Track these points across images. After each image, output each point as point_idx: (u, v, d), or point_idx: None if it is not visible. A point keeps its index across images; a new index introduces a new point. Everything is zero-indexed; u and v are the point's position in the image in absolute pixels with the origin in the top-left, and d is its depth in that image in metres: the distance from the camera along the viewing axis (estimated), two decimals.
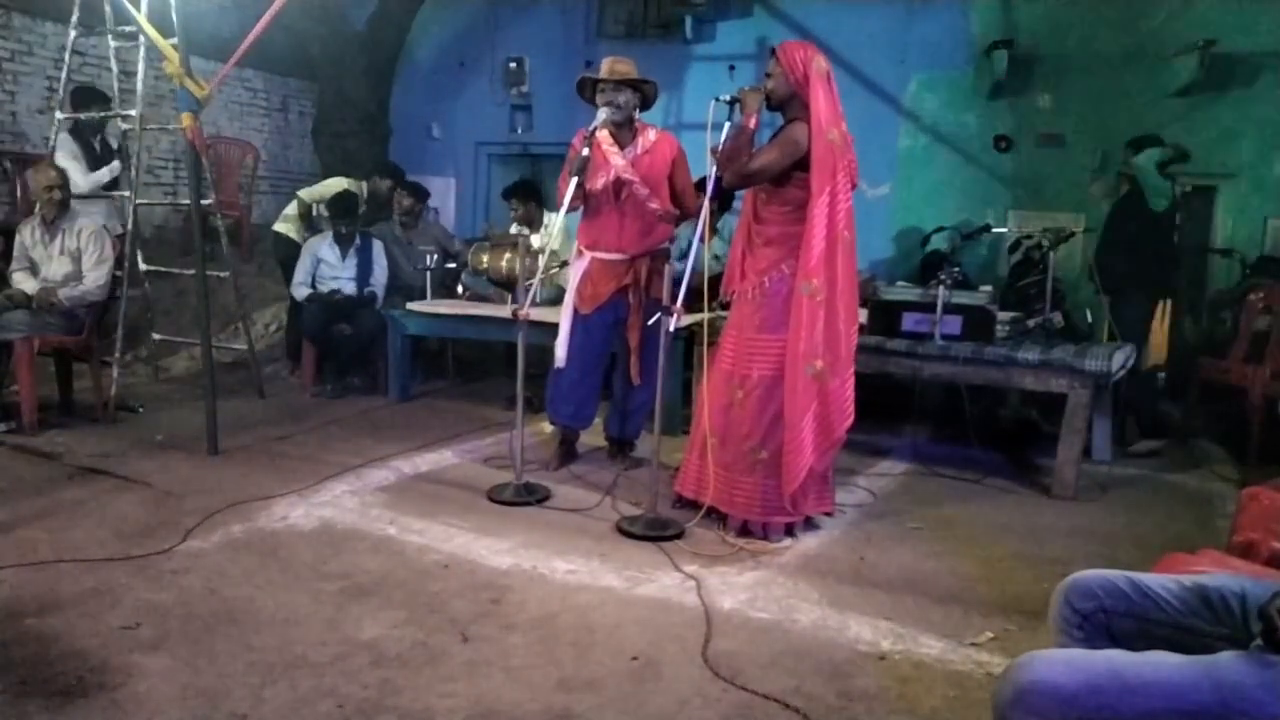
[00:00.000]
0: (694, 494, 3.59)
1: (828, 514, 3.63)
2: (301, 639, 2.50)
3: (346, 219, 5.87)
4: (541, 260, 4.20)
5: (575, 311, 4.13)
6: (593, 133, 3.85)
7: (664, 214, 4.11)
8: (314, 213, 6.29)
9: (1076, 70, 6.42)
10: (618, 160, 4.00)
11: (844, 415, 3.39)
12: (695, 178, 4.16)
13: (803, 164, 3.29)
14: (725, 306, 3.77)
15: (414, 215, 6.41)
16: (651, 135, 4.08)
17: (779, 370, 3.35)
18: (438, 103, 8.31)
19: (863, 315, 4.32)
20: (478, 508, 3.72)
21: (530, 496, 3.79)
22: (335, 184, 6.31)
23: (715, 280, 3.66)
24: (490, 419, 5.31)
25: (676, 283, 3.40)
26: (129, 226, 5.51)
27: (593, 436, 4.62)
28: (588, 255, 4.13)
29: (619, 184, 4.01)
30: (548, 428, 4.58)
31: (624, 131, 4.02)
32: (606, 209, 4.06)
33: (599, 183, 3.97)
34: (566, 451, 4.41)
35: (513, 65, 7.87)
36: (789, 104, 3.40)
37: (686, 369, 4.91)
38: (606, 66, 3.98)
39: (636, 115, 4.05)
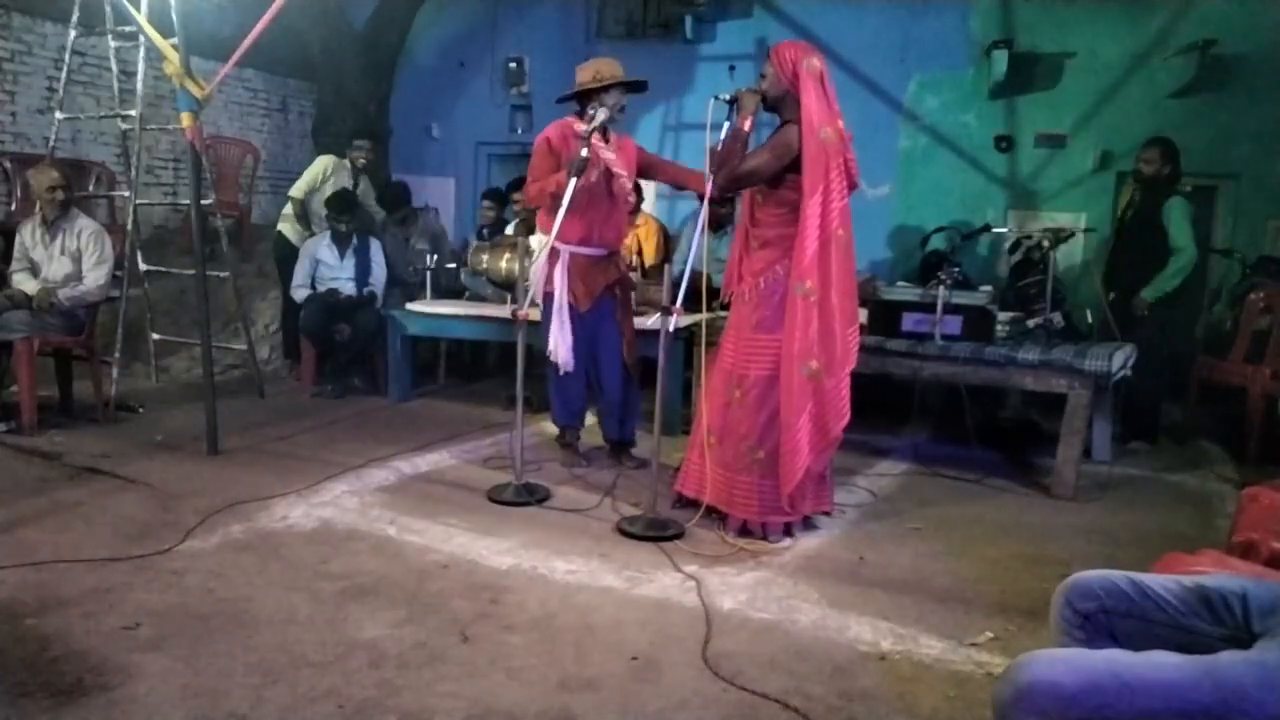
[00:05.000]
0: (694, 493, 3.59)
1: (826, 514, 3.63)
2: (301, 639, 2.50)
3: (344, 217, 5.86)
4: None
5: (572, 310, 4.12)
6: (590, 134, 3.85)
7: (632, 208, 4.33)
8: (310, 206, 6.22)
9: (1076, 70, 6.42)
10: (608, 154, 4.05)
11: (840, 415, 3.38)
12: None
13: (796, 165, 3.29)
14: (725, 307, 3.77)
15: (412, 213, 6.43)
16: (615, 137, 4.19)
17: (775, 370, 3.35)
18: (438, 103, 8.31)
19: (863, 315, 4.33)
20: (478, 508, 3.72)
21: (530, 497, 3.79)
22: (319, 165, 6.25)
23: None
24: (490, 419, 5.31)
25: (676, 283, 3.41)
26: (129, 227, 5.51)
27: (591, 436, 4.62)
28: (566, 251, 4.09)
29: (609, 178, 4.05)
30: (552, 428, 4.56)
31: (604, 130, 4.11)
32: (599, 203, 4.08)
33: (593, 175, 4.00)
34: (574, 451, 4.42)
35: (513, 65, 7.87)
36: (783, 105, 3.40)
37: (687, 369, 4.91)
38: (609, 69, 4.03)
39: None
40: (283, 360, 6.47)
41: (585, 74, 4.05)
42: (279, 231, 6.30)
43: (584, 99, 4.06)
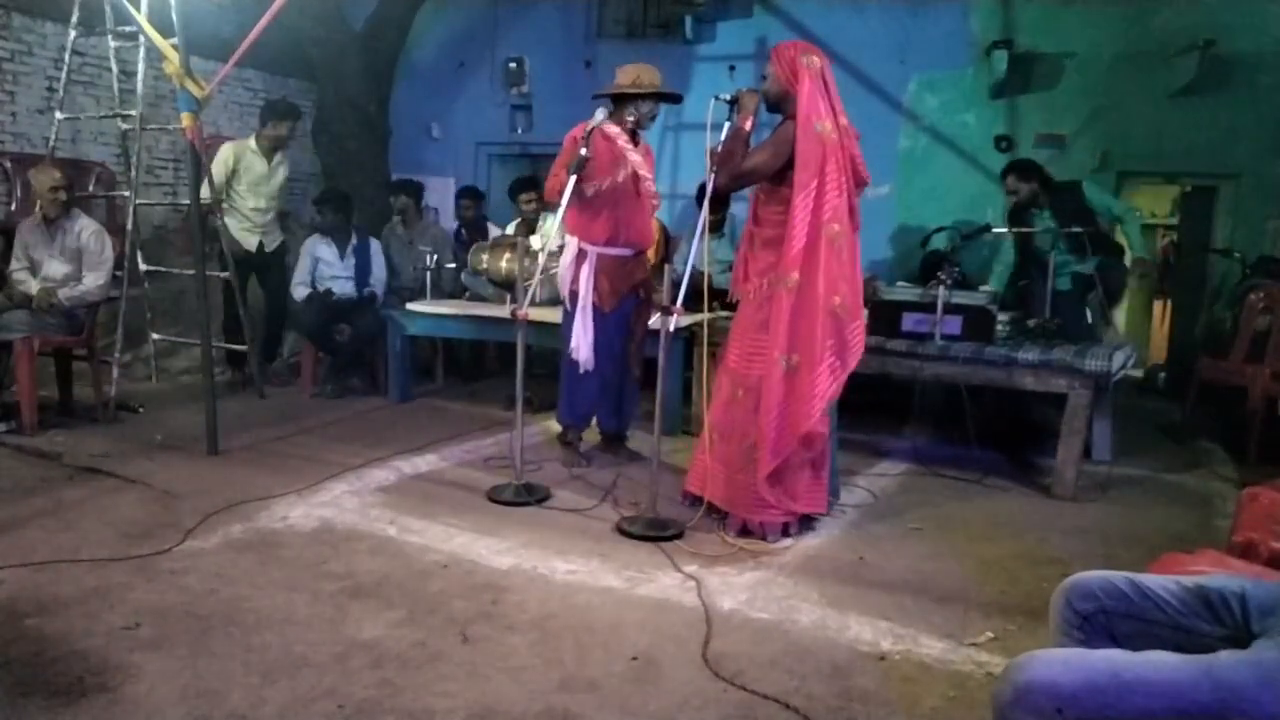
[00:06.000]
0: (699, 489, 3.61)
1: (821, 513, 3.62)
2: (301, 639, 2.51)
3: (325, 208, 5.87)
4: (541, 260, 4.21)
5: (596, 310, 4.13)
6: (590, 133, 3.86)
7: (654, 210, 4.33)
8: (225, 195, 5.75)
9: (1076, 70, 6.42)
10: (635, 156, 4.08)
11: (807, 416, 3.28)
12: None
13: (794, 163, 3.29)
14: (729, 306, 3.78)
15: (408, 213, 6.42)
16: (642, 143, 4.24)
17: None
18: (438, 103, 8.31)
19: (863, 315, 4.33)
20: (478, 508, 3.72)
21: (530, 496, 3.79)
22: (220, 158, 5.72)
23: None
24: (490, 419, 5.31)
25: (676, 284, 3.42)
26: (129, 227, 5.50)
27: (591, 435, 4.62)
28: (593, 251, 4.13)
29: (636, 179, 4.09)
30: (553, 427, 4.57)
31: (631, 134, 4.15)
32: (626, 204, 4.11)
33: (619, 175, 4.04)
34: (575, 450, 4.43)
35: (513, 65, 7.86)
36: (784, 104, 3.41)
37: (686, 369, 4.91)
38: (649, 76, 4.09)
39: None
40: (225, 365, 6.00)
41: (626, 77, 4.10)
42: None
43: (619, 100, 4.11)
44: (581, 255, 4.13)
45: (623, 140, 4.05)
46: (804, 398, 3.31)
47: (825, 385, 3.34)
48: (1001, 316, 4.38)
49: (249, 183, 5.82)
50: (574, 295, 4.15)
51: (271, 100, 6.41)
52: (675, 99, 4.23)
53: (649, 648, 2.53)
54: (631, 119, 4.08)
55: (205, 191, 5.52)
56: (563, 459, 4.41)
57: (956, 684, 2.39)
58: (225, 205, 5.77)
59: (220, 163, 5.74)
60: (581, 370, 4.14)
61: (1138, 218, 5.09)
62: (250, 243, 5.89)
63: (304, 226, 6.83)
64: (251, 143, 5.87)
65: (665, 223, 6.62)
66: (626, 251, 4.18)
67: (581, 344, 4.10)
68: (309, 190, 8.17)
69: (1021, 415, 5.22)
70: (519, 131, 8.12)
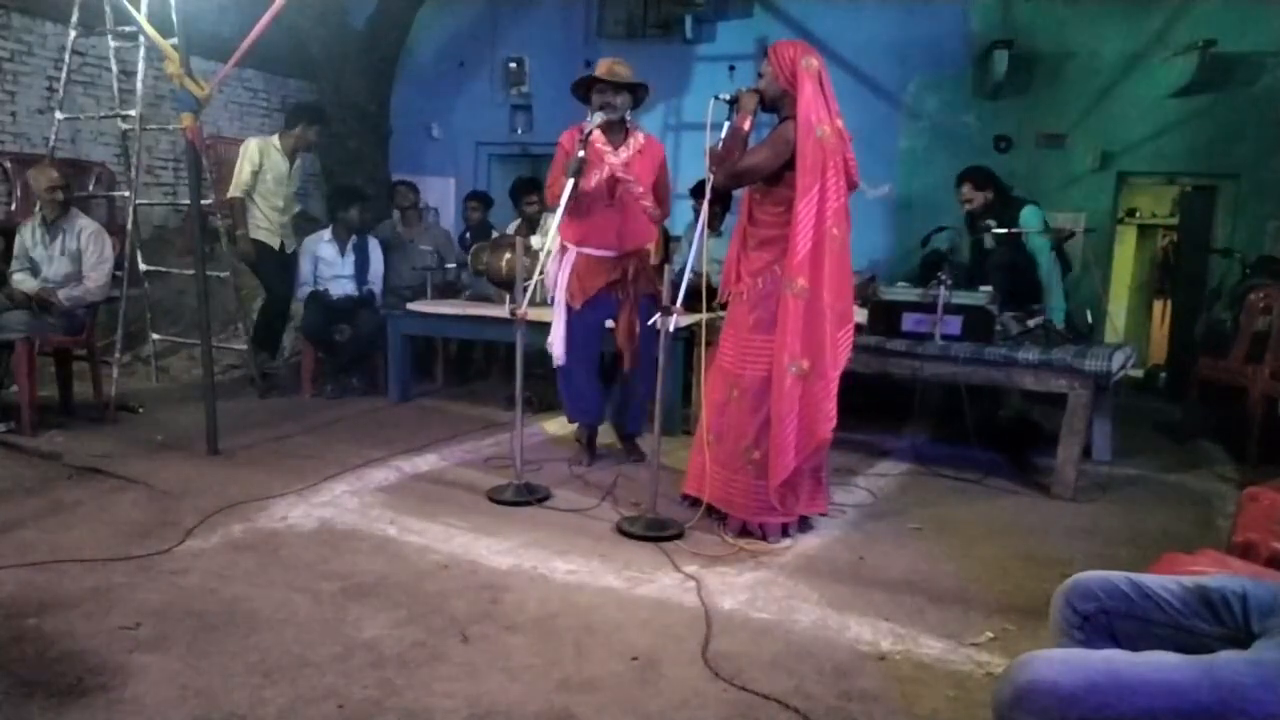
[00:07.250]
0: (696, 491, 3.60)
1: (821, 514, 3.62)
2: (301, 639, 2.50)
3: (355, 206, 5.88)
4: (541, 260, 4.22)
5: (568, 308, 4.15)
6: (587, 135, 3.86)
7: (654, 212, 4.19)
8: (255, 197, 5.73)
9: (1076, 70, 6.42)
10: (612, 159, 4.03)
11: (827, 418, 3.33)
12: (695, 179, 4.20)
13: (794, 163, 3.29)
14: (724, 307, 3.78)
15: (416, 211, 6.45)
16: (641, 138, 4.14)
17: (771, 372, 3.35)
18: (438, 103, 8.32)
19: (863, 315, 4.33)
20: (478, 508, 3.72)
21: (530, 496, 3.79)
22: (247, 155, 5.65)
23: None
24: (490, 419, 5.31)
25: (676, 283, 3.42)
26: (129, 227, 5.51)
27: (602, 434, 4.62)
28: (573, 251, 4.16)
29: (613, 182, 4.04)
30: (553, 428, 4.57)
31: (615, 131, 4.06)
32: (600, 206, 4.08)
33: (593, 180, 3.99)
34: (591, 448, 4.44)
35: (513, 65, 7.88)
36: (781, 103, 3.40)
37: (686, 369, 4.91)
38: (605, 67, 4.01)
39: (629, 116, 4.09)
40: (259, 354, 5.91)
41: (599, 71, 4.01)
42: (252, 239, 5.78)
43: (587, 99, 4.06)
44: (563, 251, 4.18)
45: (600, 143, 3.99)
46: (820, 403, 3.32)
47: (835, 391, 3.36)
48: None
49: (272, 182, 5.77)
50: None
51: (303, 103, 6.47)
52: (629, 89, 4.00)
53: (649, 648, 2.53)
54: (608, 113, 3.94)
55: (240, 188, 5.60)
56: (571, 456, 4.42)
57: (956, 684, 2.39)
58: (249, 204, 5.72)
59: (247, 158, 5.66)
60: (554, 364, 4.19)
61: (1059, 289, 4.98)
62: (274, 243, 5.86)
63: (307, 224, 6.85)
64: (275, 140, 5.84)
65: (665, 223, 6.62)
66: (601, 252, 4.13)
67: (555, 339, 4.15)
68: (309, 190, 8.19)
69: (1021, 415, 5.22)
70: (519, 131, 8.13)
